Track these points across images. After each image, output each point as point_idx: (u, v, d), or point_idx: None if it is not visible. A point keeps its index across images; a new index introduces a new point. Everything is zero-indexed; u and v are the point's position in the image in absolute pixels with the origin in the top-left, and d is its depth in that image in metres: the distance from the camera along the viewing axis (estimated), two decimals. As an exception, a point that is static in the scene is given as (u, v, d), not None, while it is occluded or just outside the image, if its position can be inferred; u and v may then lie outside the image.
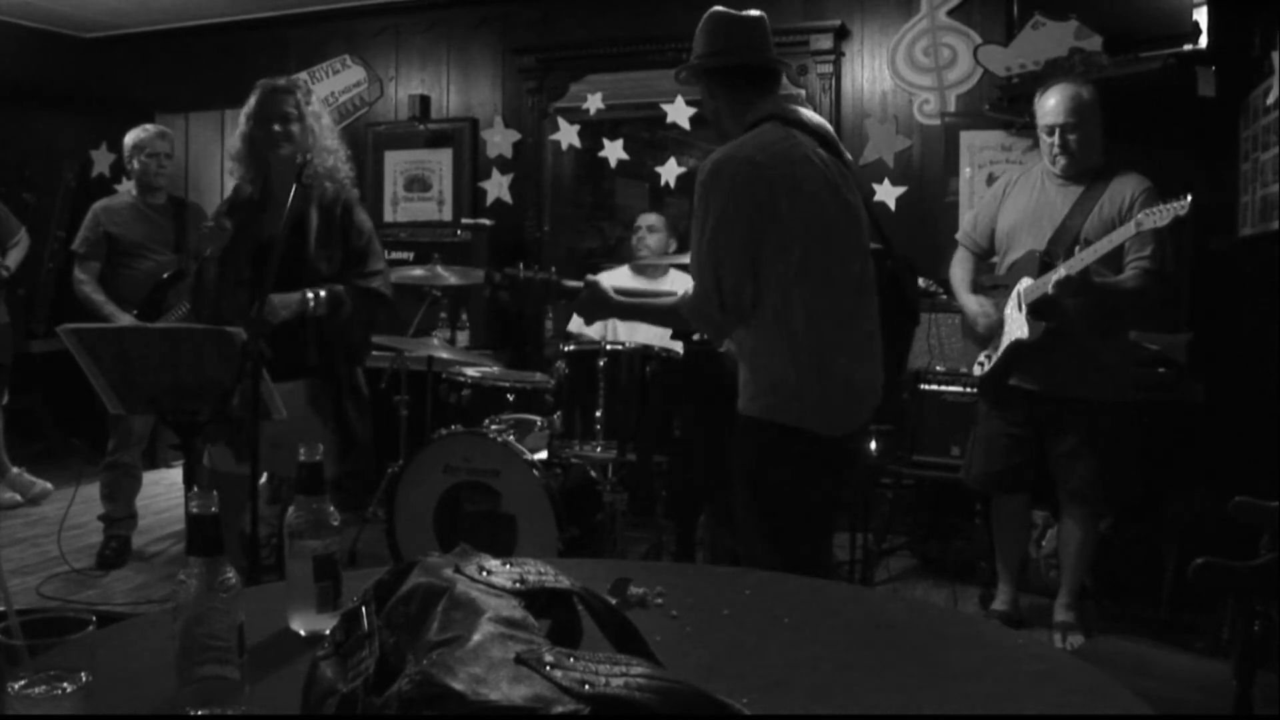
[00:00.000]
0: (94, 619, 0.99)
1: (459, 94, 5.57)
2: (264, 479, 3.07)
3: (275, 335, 2.73)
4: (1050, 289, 3.03)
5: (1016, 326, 3.19)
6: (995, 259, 3.43)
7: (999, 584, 3.53)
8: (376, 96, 5.66)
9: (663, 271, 4.35)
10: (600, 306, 2.43)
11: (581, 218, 6.45)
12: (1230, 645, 2.23)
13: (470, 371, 3.96)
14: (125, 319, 3.97)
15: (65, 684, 0.95)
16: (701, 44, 2.30)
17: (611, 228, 6.41)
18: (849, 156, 2.39)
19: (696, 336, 2.79)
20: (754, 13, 2.30)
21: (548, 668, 0.79)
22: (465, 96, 5.56)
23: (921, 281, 3.40)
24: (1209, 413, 3.61)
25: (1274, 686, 1.66)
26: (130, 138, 4.26)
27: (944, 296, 3.77)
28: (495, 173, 5.38)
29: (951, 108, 4.61)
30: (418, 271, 4.23)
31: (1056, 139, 3.18)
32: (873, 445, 3.64)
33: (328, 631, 0.99)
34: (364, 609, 0.96)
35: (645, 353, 3.28)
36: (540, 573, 1.00)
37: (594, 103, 5.10)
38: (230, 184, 3.21)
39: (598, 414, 3.25)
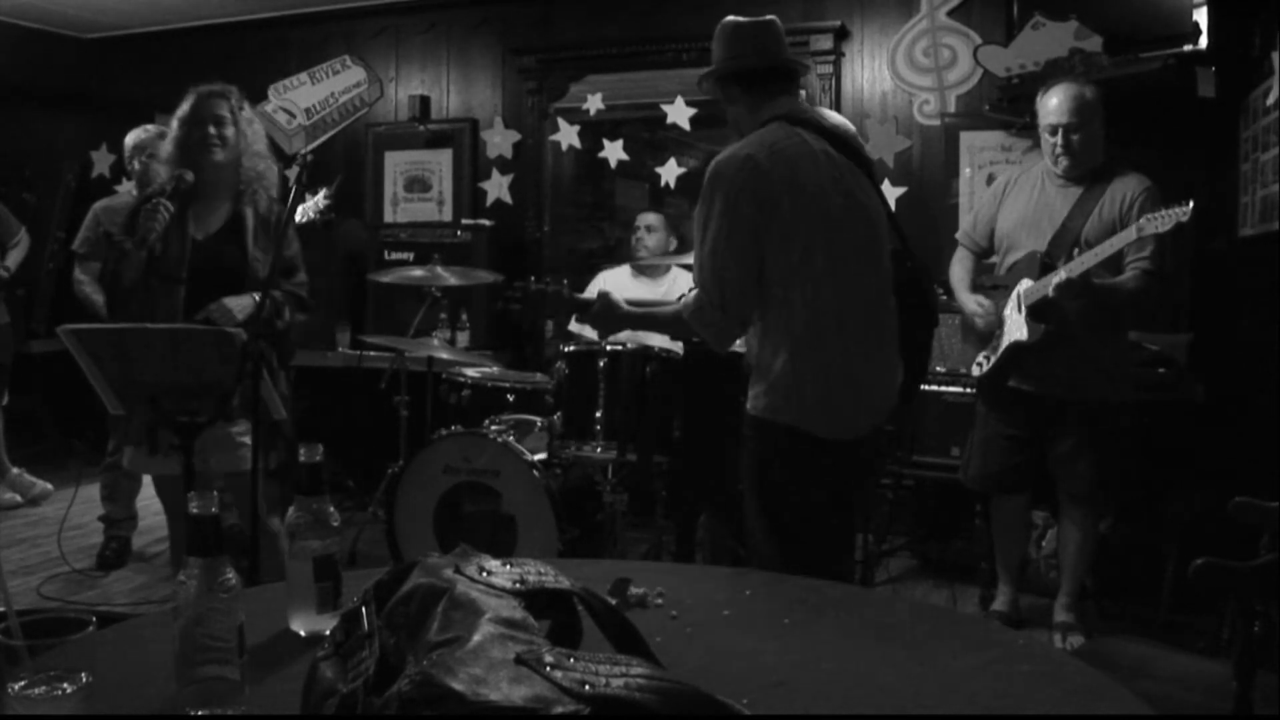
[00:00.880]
0: (94, 619, 0.99)
1: (459, 94, 5.57)
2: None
3: None
4: (1050, 292, 3.02)
5: (1016, 328, 3.19)
6: (995, 259, 3.43)
7: (999, 584, 3.53)
8: (376, 97, 5.66)
9: (663, 271, 4.35)
10: (614, 320, 2.43)
11: (581, 218, 6.45)
12: (1230, 645, 2.23)
13: (470, 372, 3.96)
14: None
15: (65, 684, 0.95)
16: (717, 52, 2.32)
17: (611, 228, 6.41)
18: (871, 158, 2.38)
19: (696, 338, 2.79)
20: (765, 17, 2.31)
21: (548, 668, 0.79)
22: (465, 97, 5.56)
23: (922, 281, 3.40)
24: (1209, 413, 3.61)
25: (1274, 686, 1.66)
26: (130, 138, 4.26)
27: (944, 297, 3.77)
28: (495, 173, 5.39)
29: (951, 108, 4.61)
30: (418, 272, 4.23)
31: (1059, 139, 3.17)
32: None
33: (328, 632, 0.99)
34: (364, 609, 0.96)
35: (645, 353, 3.28)
36: (540, 573, 1.00)
37: (594, 103, 5.10)
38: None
39: (598, 414, 3.25)
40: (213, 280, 2.81)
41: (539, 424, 3.73)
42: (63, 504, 4.11)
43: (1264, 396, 3.40)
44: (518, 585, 0.96)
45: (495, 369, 4.18)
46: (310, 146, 5.54)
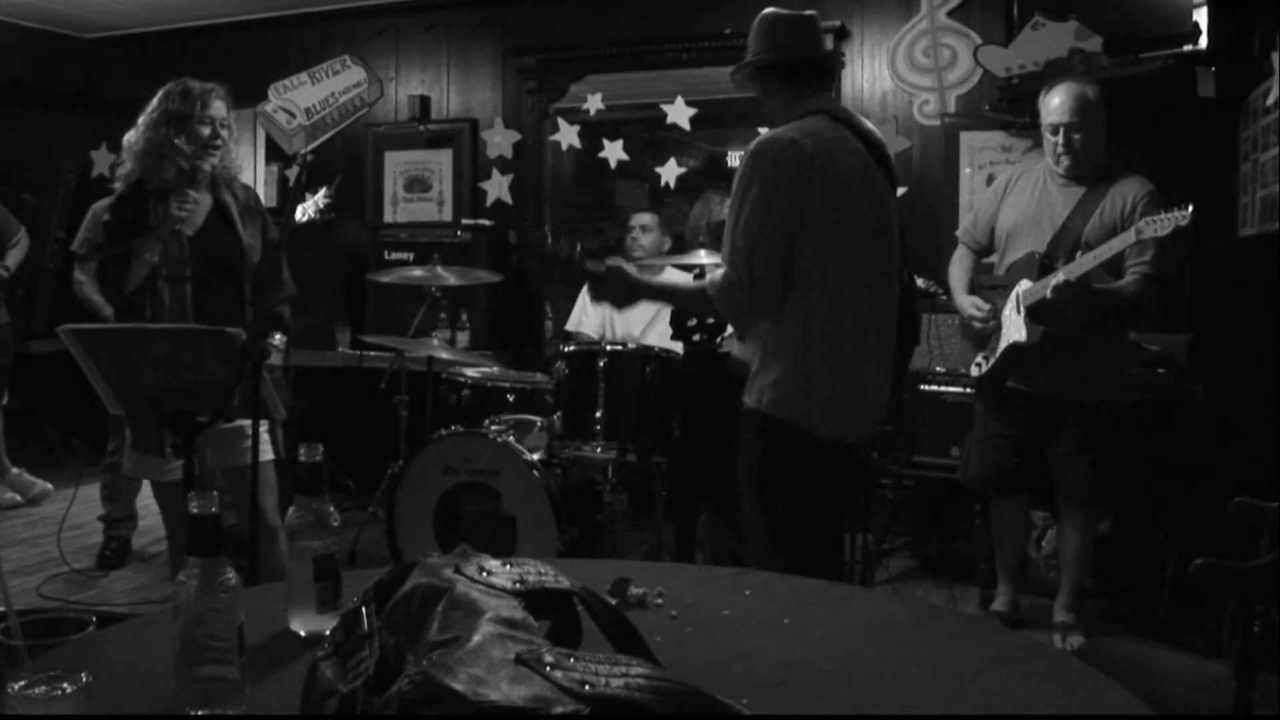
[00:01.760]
0: (94, 619, 0.99)
1: (459, 94, 5.57)
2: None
3: None
4: (1049, 293, 3.02)
5: (1014, 329, 3.18)
6: (994, 258, 3.43)
7: (999, 584, 3.52)
8: (376, 97, 5.65)
9: (659, 271, 4.35)
10: (627, 289, 2.34)
11: (581, 218, 6.46)
12: (1230, 645, 2.23)
13: (470, 372, 3.96)
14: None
15: (65, 684, 0.95)
16: (755, 43, 2.31)
17: (611, 228, 6.42)
18: (895, 175, 2.38)
19: (697, 337, 2.78)
20: (806, 11, 2.31)
21: (548, 668, 0.79)
22: (465, 97, 5.56)
23: (921, 282, 3.39)
24: (1209, 413, 3.61)
25: (1274, 686, 1.66)
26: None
27: (944, 297, 3.77)
28: (495, 173, 5.38)
29: (951, 108, 4.61)
30: (418, 272, 4.23)
31: (1061, 138, 3.16)
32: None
33: (328, 632, 0.99)
34: (364, 609, 0.96)
35: (645, 353, 3.28)
36: (540, 573, 1.00)
37: (594, 103, 5.10)
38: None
39: (597, 414, 3.25)
40: (215, 273, 2.80)
41: (539, 424, 3.73)
42: (62, 504, 4.11)
43: (1264, 396, 3.40)
44: (518, 585, 0.96)
45: (495, 369, 4.18)
46: (310, 146, 5.53)
